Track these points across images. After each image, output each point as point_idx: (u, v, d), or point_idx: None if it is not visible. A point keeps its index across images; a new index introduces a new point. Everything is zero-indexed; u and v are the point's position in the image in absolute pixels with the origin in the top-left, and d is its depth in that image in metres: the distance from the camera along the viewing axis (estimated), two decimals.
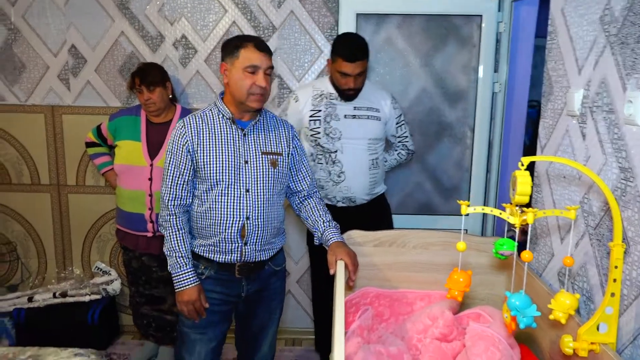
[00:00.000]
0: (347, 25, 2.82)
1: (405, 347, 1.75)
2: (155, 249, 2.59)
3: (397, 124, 2.61)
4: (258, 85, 1.77)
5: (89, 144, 2.81)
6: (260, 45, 1.80)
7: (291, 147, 1.97)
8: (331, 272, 1.80)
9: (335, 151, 2.47)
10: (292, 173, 2.01)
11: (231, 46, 1.81)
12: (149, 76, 2.51)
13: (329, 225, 1.98)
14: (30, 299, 2.97)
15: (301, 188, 2.04)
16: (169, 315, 2.72)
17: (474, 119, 2.93)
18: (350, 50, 2.34)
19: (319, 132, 2.47)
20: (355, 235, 2.08)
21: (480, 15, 2.79)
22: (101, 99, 3.00)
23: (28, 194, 3.13)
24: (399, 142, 2.68)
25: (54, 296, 2.96)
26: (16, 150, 3.08)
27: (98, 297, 2.98)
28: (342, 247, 1.86)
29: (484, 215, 3.02)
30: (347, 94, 2.44)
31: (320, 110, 2.48)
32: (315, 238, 2.02)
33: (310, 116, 2.49)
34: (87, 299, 2.95)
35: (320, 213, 2.02)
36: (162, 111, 2.59)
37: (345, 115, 2.47)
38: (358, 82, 2.41)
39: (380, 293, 2.05)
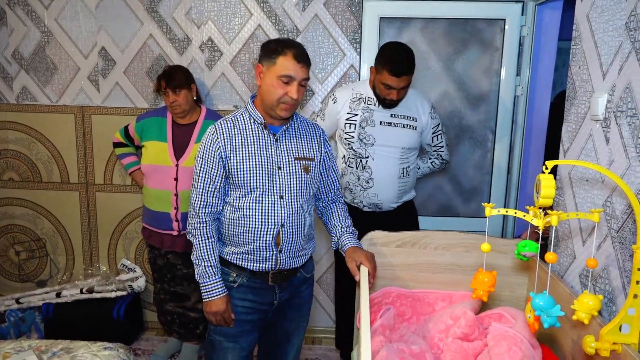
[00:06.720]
0: (370, 29, 2.86)
1: (427, 346, 1.78)
2: (180, 247, 2.66)
3: (433, 133, 2.56)
4: (290, 96, 1.73)
5: (117, 144, 2.88)
6: (300, 56, 1.73)
7: (323, 152, 1.94)
8: (357, 278, 1.80)
9: (367, 157, 2.46)
10: (322, 178, 1.98)
11: (270, 50, 1.74)
12: (174, 79, 2.57)
13: (347, 231, 1.96)
14: (58, 295, 3.05)
15: (328, 194, 2.02)
16: (192, 313, 2.78)
17: (495, 122, 2.95)
18: (397, 64, 2.27)
19: (352, 137, 2.46)
20: (378, 236, 2.11)
21: (504, 19, 2.81)
22: (129, 100, 3.07)
23: (58, 192, 3.22)
24: (434, 151, 2.64)
25: (81, 292, 3.04)
26: (47, 149, 3.17)
27: (123, 293, 3.05)
28: (358, 251, 1.86)
29: (504, 217, 3.03)
30: (387, 103, 2.40)
31: (356, 115, 2.46)
32: (332, 242, 2.01)
33: (347, 119, 2.47)
34: (112, 295, 3.03)
35: (341, 218, 2.00)
36: (187, 113, 2.65)
37: (381, 122, 2.44)
38: (401, 94, 2.37)
39: (401, 293, 2.08)
